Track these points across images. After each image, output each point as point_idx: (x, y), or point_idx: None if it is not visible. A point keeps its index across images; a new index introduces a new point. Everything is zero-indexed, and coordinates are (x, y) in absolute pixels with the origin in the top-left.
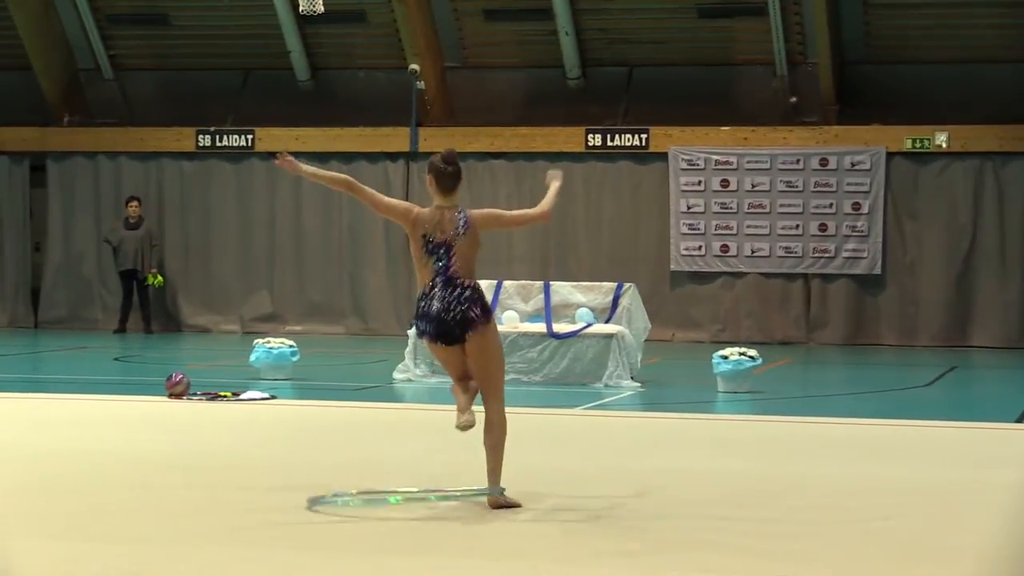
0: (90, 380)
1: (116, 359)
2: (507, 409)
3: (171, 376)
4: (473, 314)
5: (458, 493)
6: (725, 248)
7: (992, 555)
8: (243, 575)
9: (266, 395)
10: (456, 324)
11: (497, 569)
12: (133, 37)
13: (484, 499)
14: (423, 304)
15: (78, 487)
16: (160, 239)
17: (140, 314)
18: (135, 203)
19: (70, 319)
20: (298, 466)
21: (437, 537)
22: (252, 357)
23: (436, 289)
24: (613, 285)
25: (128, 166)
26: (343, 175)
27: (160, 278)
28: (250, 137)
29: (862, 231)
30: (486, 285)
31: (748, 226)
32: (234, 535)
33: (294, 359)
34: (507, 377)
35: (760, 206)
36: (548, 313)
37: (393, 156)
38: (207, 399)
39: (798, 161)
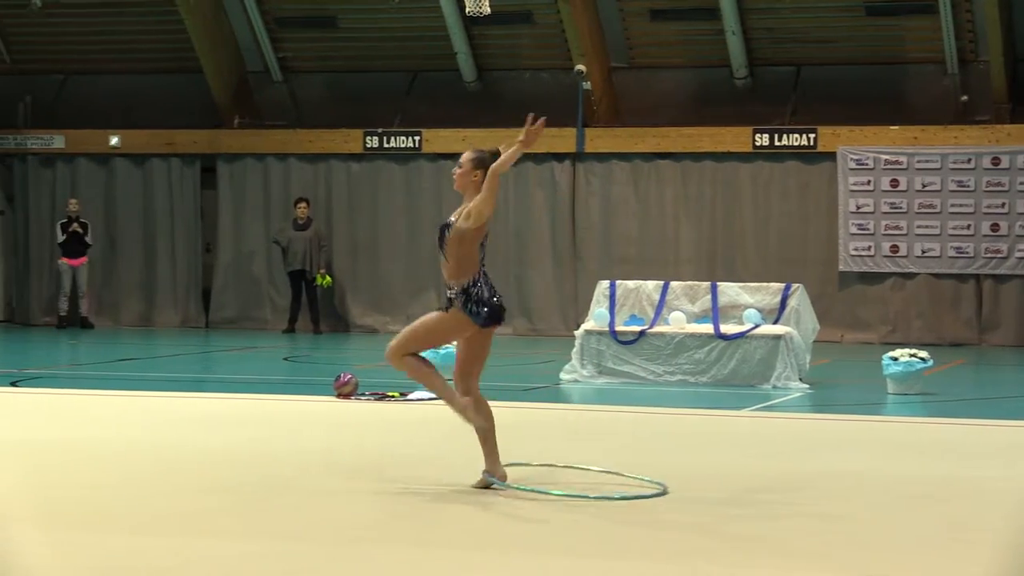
0: (259, 380)
1: (285, 359)
2: (676, 410)
3: (339, 376)
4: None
5: (616, 497)
6: (895, 248)
7: None
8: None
9: (434, 395)
10: (502, 307)
11: (667, 571)
12: (301, 39)
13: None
14: (476, 291)
15: (247, 486)
16: (328, 240)
17: (309, 314)
18: (304, 204)
19: (240, 319)
20: (465, 465)
21: (591, 537)
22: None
23: (483, 278)
24: (781, 286)
25: (297, 167)
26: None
27: (329, 278)
28: (417, 138)
29: None
30: (652, 286)
31: (918, 226)
32: (396, 534)
33: None
34: (674, 379)
35: (931, 206)
36: (715, 314)
37: (559, 157)
38: (375, 399)
39: (969, 160)
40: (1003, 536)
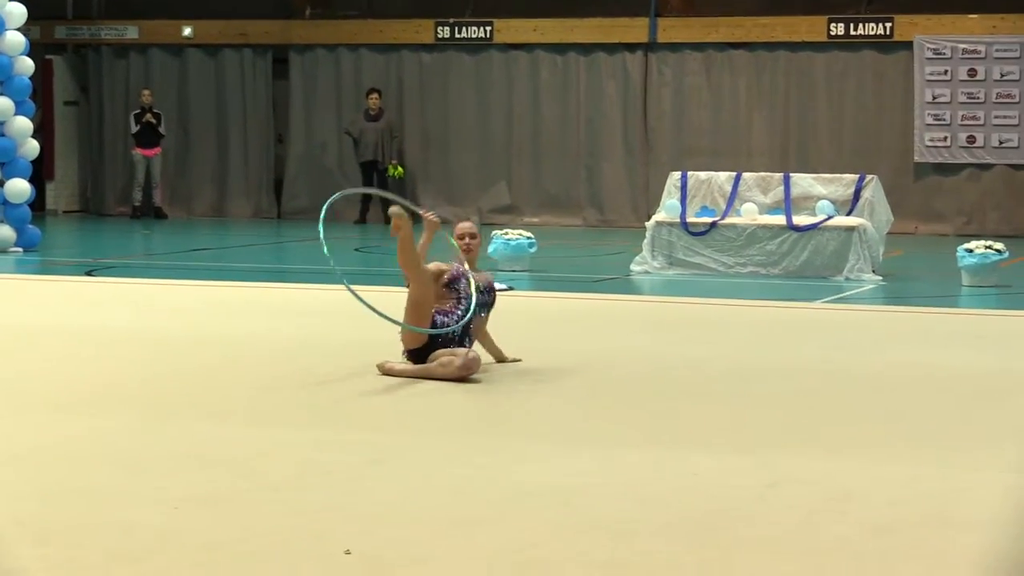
0: (331, 270)
1: (356, 250)
2: (746, 302)
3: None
4: None
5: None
6: (971, 139)
7: None
8: (479, 464)
9: (504, 286)
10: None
11: (743, 463)
12: None
13: None
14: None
15: (320, 377)
16: (400, 131)
17: (380, 206)
18: (375, 95)
19: (312, 209)
20: (536, 354)
21: (674, 428)
22: (490, 248)
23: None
24: (855, 177)
25: (368, 58)
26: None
27: (400, 169)
28: (488, 29)
29: None
30: (724, 177)
31: (996, 116)
32: (472, 424)
33: (532, 251)
34: (745, 270)
35: (1009, 96)
36: (788, 205)
37: (631, 47)
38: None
39: None
40: None
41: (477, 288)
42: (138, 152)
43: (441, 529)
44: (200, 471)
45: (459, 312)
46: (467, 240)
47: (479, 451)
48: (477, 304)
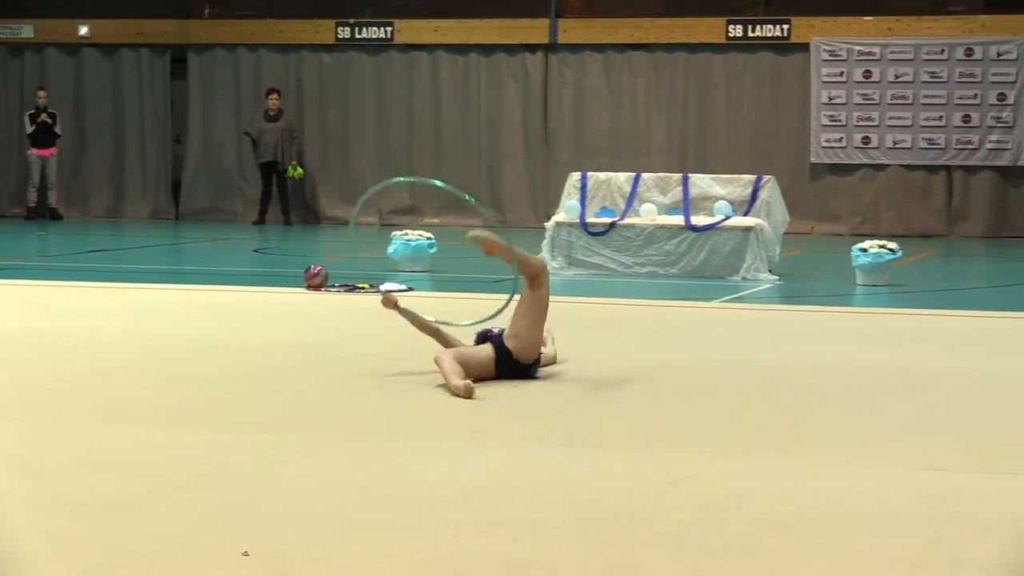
0: (229, 272)
1: (255, 251)
2: (645, 300)
3: (309, 268)
4: None
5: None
6: (867, 140)
7: None
8: (382, 465)
9: (404, 287)
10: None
11: (645, 461)
12: None
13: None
14: None
15: (217, 378)
16: (300, 131)
17: (279, 206)
18: (275, 95)
19: (210, 211)
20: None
21: (580, 428)
22: (390, 249)
23: None
24: (752, 177)
25: (268, 58)
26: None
27: (300, 170)
28: (389, 29)
29: (1007, 122)
30: (624, 178)
31: (890, 118)
32: (376, 424)
33: (432, 251)
34: (644, 270)
35: (903, 97)
36: (687, 205)
37: (532, 48)
38: (345, 291)
39: (943, 51)
40: (969, 425)
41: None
42: (33, 152)
43: (342, 530)
44: (98, 474)
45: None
46: None
47: (383, 451)
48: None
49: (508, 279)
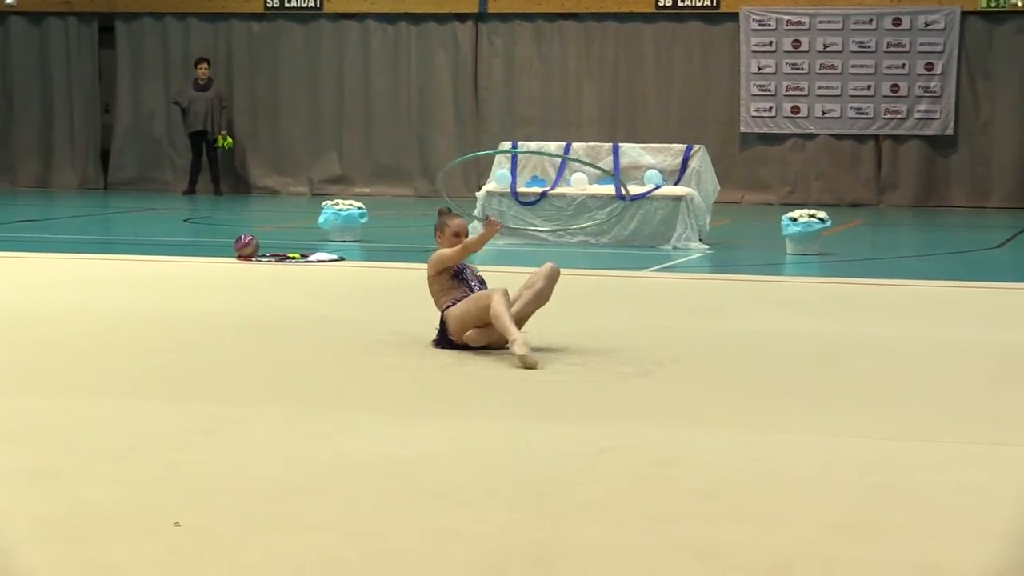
0: (160, 242)
1: (185, 220)
2: (576, 270)
3: (240, 238)
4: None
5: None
6: (796, 109)
7: None
8: (311, 434)
9: (335, 256)
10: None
11: (573, 431)
12: None
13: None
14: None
15: (149, 348)
16: (229, 101)
17: (209, 176)
18: (204, 64)
19: (139, 180)
20: (367, 326)
21: (508, 398)
22: (321, 219)
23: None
24: (682, 147)
25: (197, 27)
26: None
27: (230, 140)
28: None
29: (935, 92)
30: (555, 147)
31: (819, 87)
32: (305, 394)
33: (362, 221)
34: (576, 239)
35: (832, 67)
36: (617, 174)
37: (462, 17)
38: (276, 261)
39: (871, 21)
40: (898, 393)
41: (478, 279)
42: None
43: (272, 499)
44: (27, 445)
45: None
46: (463, 238)
47: (312, 421)
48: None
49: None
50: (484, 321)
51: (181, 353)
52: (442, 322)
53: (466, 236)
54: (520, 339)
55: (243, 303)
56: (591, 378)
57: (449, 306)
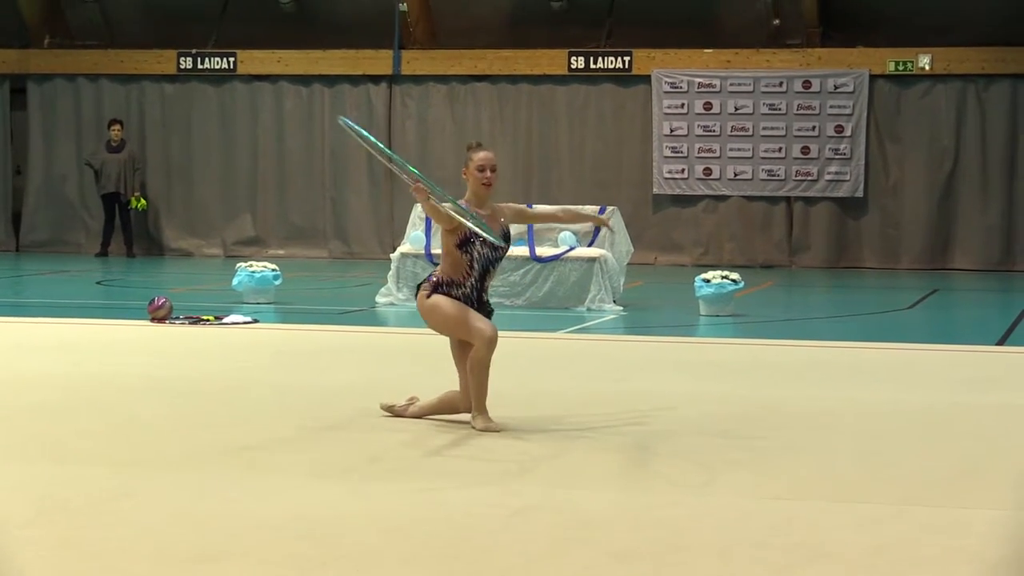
0: (72, 304)
1: (98, 283)
2: None
3: (153, 300)
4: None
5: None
6: (708, 171)
7: (980, 474)
8: (225, 498)
9: (249, 319)
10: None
11: (489, 493)
12: None
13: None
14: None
15: (61, 411)
16: (143, 162)
17: (122, 238)
18: (117, 126)
19: (52, 242)
20: (281, 388)
21: (424, 460)
22: (234, 281)
23: (462, 285)
24: (596, 208)
25: (109, 88)
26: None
27: (143, 201)
28: (232, 60)
29: (844, 154)
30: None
31: (731, 149)
32: (220, 458)
33: (276, 283)
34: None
35: (743, 129)
36: (531, 236)
37: (375, 79)
38: (189, 323)
39: (781, 84)
40: (809, 453)
41: (491, 245)
42: None
43: (183, 564)
44: None
45: (473, 278)
46: (488, 174)
47: (225, 484)
48: (491, 261)
49: (353, 310)
50: (458, 339)
51: (91, 416)
52: (434, 285)
53: (492, 170)
54: (483, 414)
55: (156, 366)
56: (502, 438)
57: (438, 284)
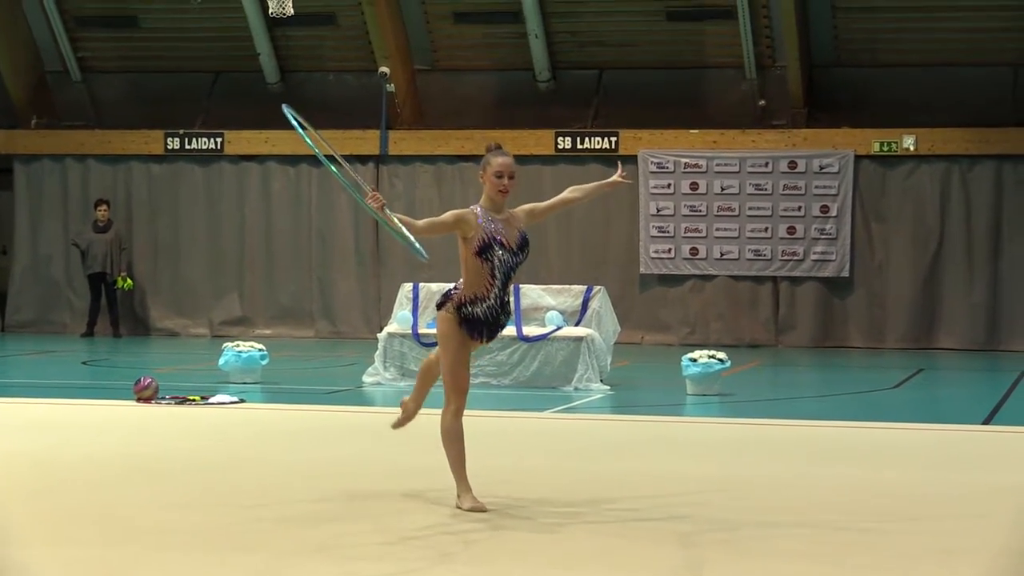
0: (58, 384)
1: (84, 363)
2: (478, 412)
3: (139, 380)
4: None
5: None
6: (694, 251)
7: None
8: None
9: (235, 399)
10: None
11: (477, 573)
12: (101, 39)
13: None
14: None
15: (47, 491)
16: (129, 242)
17: (108, 318)
18: (104, 206)
19: (38, 322)
20: (269, 468)
21: (411, 541)
22: (221, 361)
23: (481, 300)
24: (583, 288)
25: (96, 169)
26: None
27: (130, 281)
28: (219, 140)
29: (830, 234)
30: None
31: (717, 229)
32: (207, 538)
33: (263, 363)
34: (476, 380)
35: (729, 209)
36: (518, 316)
37: (363, 159)
38: (175, 403)
39: (767, 164)
40: (797, 528)
41: (511, 250)
42: None
43: None
44: None
45: (497, 288)
46: (506, 181)
47: (206, 567)
48: (512, 267)
49: (340, 390)
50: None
51: (75, 497)
52: (457, 304)
53: (509, 177)
54: (468, 492)
55: (141, 446)
56: (483, 520)
57: (460, 304)
